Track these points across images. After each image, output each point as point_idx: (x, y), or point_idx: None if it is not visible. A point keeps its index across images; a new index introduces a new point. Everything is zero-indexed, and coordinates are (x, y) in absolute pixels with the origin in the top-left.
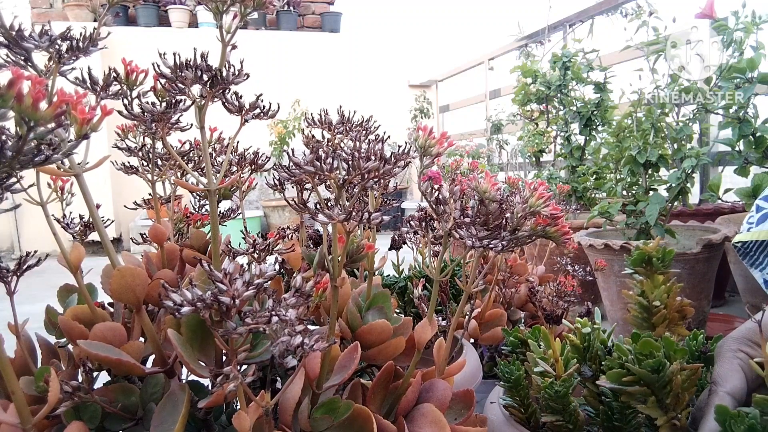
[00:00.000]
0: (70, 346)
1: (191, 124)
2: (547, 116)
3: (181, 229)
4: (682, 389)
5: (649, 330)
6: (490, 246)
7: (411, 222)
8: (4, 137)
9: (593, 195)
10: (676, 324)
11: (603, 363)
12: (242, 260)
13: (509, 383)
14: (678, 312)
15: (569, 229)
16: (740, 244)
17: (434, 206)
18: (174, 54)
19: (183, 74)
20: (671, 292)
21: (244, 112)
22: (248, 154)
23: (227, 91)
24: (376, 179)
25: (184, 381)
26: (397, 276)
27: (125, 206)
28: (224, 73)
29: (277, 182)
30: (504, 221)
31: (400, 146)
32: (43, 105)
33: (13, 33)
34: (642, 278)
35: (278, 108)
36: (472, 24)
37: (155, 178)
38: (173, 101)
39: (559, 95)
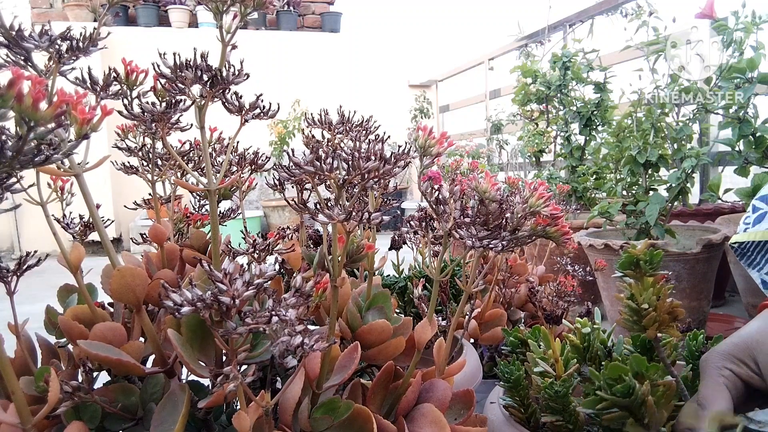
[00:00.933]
0: (70, 346)
1: (191, 124)
2: (547, 116)
3: (181, 229)
4: (659, 406)
5: (640, 332)
6: (490, 246)
7: (411, 222)
8: (4, 137)
9: (593, 195)
10: (668, 326)
11: (603, 363)
12: (242, 260)
13: (509, 383)
14: (669, 314)
15: (569, 229)
16: (737, 244)
17: (434, 206)
18: (174, 54)
19: (183, 74)
20: (661, 294)
21: (244, 112)
22: (248, 154)
23: (227, 91)
24: (376, 179)
25: (184, 381)
26: (397, 276)
27: (125, 206)
28: (224, 73)
29: (277, 182)
30: (504, 221)
31: (400, 146)
32: (43, 105)
33: (13, 33)
34: (631, 281)
35: (278, 108)
36: (472, 24)
37: (155, 178)
38: (173, 101)
39: (559, 95)
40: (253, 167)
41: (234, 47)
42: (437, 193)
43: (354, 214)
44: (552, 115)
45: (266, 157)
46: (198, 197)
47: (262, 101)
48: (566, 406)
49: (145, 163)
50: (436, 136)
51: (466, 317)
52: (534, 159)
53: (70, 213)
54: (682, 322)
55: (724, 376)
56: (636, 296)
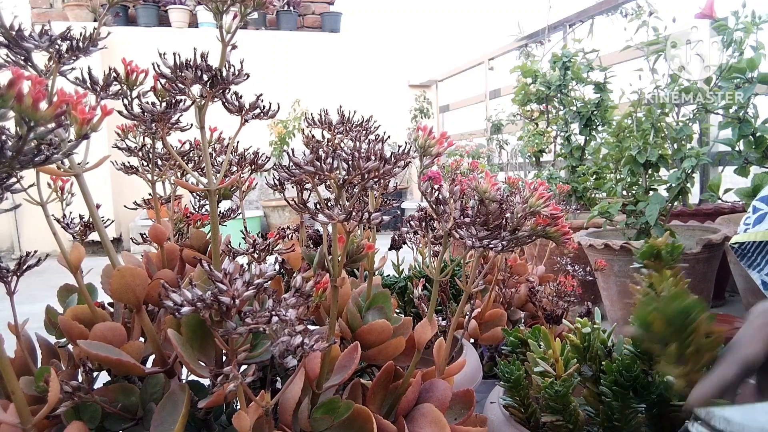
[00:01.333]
0: (70, 346)
1: (191, 124)
2: (547, 116)
3: (181, 229)
4: (704, 346)
5: None
6: (490, 246)
7: (411, 222)
8: (4, 137)
9: (593, 195)
10: None
11: (603, 363)
12: (242, 260)
13: (509, 383)
14: None
15: (569, 229)
16: (737, 245)
17: (434, 206)
18: (174, 54)
19: (183, 74)
20: (678, 285)
21: (244, 112)
22: (248, 154)
23: (227, 91)
24: (376, 179)
25: (184, 381)
26: (397, 276)
27: (125, 206)
28: (224, 73)
29: (277, 182)
30: (504, 221)
31: (400, 146)
32: (43, 105)
33: (13, 33)
34: (650, 271)
35: (278, 108)
36: (472, 24)
37: (155, 178)
38: (173, 101)
39: (559, 95)
40: (253, 167)
41: (234, 47)
42: (437, 193)
43: (354, 214)
44: (552, 115)
45: (266, 157)
46: (198, 197)
47: (262, 101)
48: (566, 405)
49: (145, 163)
50: (436, 136)
51: (466, 317)
52: (534, 159)
53: (70, 213)
54: None
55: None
56: (655, 285)
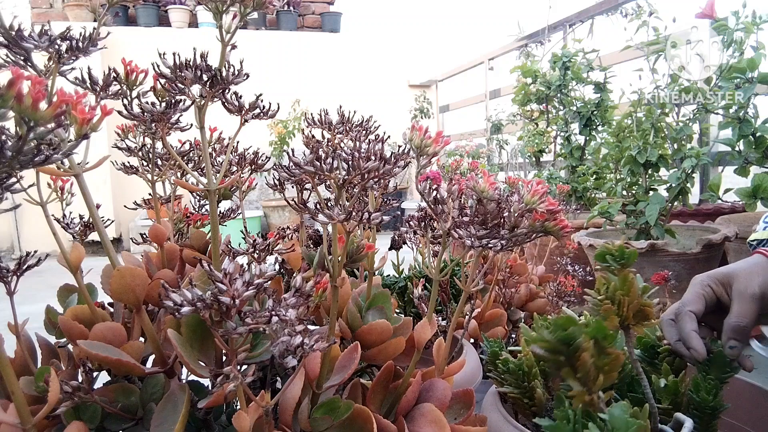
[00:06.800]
0: (70, 346)
1: (191, 124)
2: (547, 116)
3: (181, 229)
4: (601, 370)
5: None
6: (489, 245)
7: (411, 222)
8: (4, 137)
9: (593, 195)
10: (634, 323)
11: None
12: (242, 260)
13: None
14: (637, 311)
15: (568, 223)
16: (756, 242)
17: (432, 206)
18: (174, 54)
19: (183, 74)
20: (631, 286)
21: (244, 112)
22: (248, 154)
23: (227, 91)
24: (376, 179)
25: (184, 381)
26: (397, 276)
27: (125, 206)
28: (224, 73)
29: (277, 182)
30: (502, 220)
31: (400, 146)
32: (43, 105)
33: (13, 33)
34: (607, 273)
35: (278, 108)
36: (472, 24)
37: (155, 178)
38: (173, 101)
39: (559, 95)
40: (253, 167)
41: (234, 47)
42: (435, 192)
43: (354, 214)
44: (552, 115)
45: (266, 157)
46: (198, 197)
47: (261, 101)
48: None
49: (145, 163)
50: (432, 135)
51: (466, 317)
52: (534, 159)
53: (70, 213)
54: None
55: (704, 291)
56: (599, 288)
